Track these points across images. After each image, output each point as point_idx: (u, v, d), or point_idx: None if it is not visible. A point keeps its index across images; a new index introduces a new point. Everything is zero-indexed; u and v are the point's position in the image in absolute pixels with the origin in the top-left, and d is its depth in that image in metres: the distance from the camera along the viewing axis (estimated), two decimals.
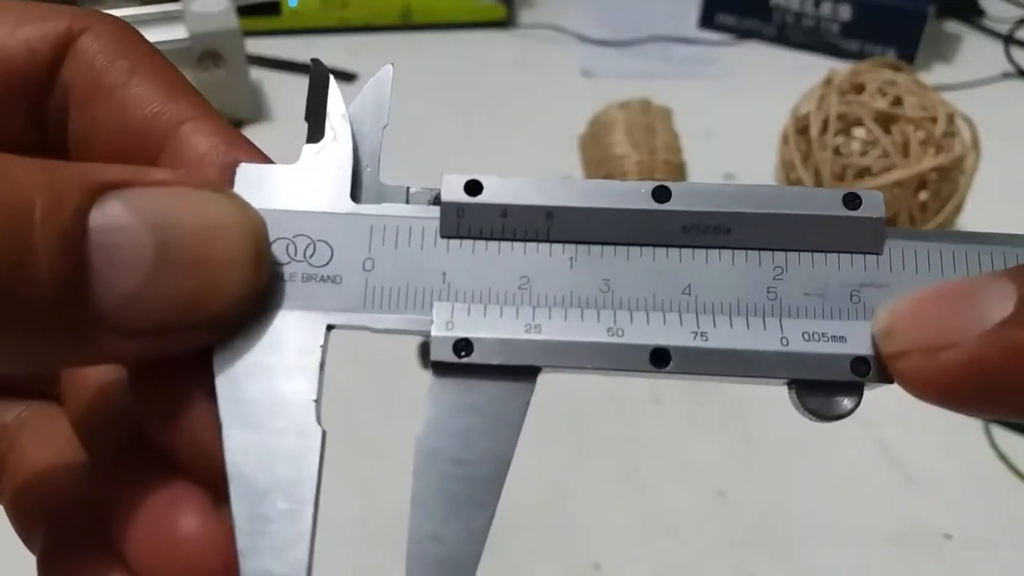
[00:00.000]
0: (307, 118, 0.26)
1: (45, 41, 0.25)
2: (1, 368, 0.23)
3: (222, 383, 0.23)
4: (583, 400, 0.76)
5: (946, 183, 0.85)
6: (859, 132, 0.86)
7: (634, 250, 0.25)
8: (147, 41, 0.26)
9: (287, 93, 1.16)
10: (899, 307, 0.23)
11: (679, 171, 0.93)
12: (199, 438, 0.23)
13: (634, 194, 0.25)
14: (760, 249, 0.25)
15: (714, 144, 1.03)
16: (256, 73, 1.16)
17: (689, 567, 0.68)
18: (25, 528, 0.27)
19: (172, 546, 0.23)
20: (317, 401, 0.23)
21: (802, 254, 0.25)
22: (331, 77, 0.26)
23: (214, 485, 0.23)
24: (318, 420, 0.23)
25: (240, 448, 0.23)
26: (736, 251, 0.25)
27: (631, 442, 0.76)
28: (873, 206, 0.25)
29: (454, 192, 0.25)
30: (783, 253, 0.25)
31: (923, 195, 0.85)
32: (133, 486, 0.24)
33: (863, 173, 0.85)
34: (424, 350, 0.83)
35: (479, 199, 0.25)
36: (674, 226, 0.25)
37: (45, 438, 0.28)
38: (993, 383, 0.21)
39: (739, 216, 0.25)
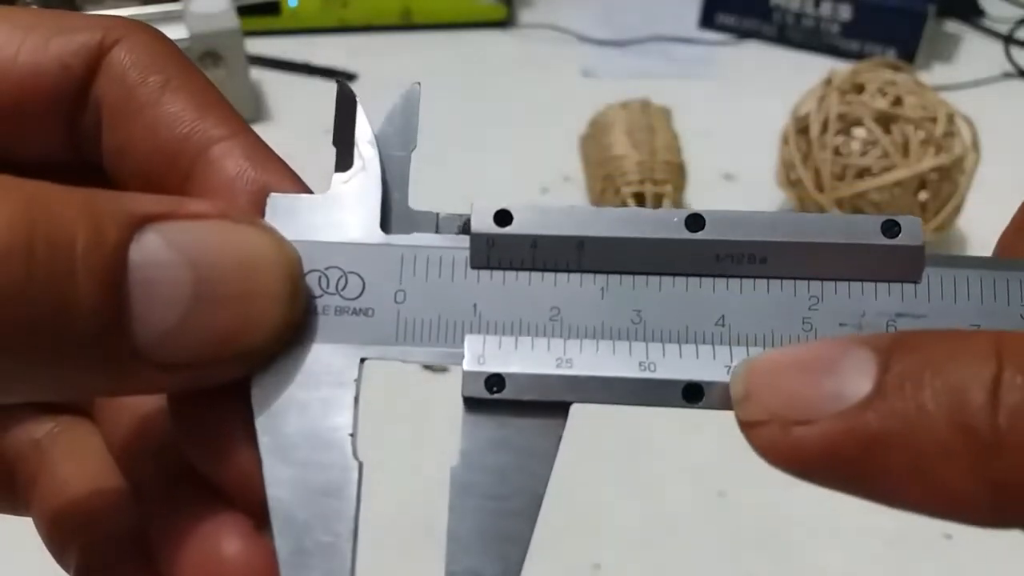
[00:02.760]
0: (335, 144, 0.26)
1: (78, 55, 0.25)
2: (39, 396, 0.23)
3: (260, 419, 0.23)
4: None
5: (946, 183, 0.85)
6: (859, 132, 0.86)
7: (666, 280, 0.25)
8: (180, 52, 0.26)
9: (287, 93, 1.16)
10: (755, 370, 0.22)
11: (679, 171, 0.93)
12: (242, 469, 0.23)
13: (666, 223, 0.25)
14: (796, 278, 0.25)
15: (714, 144, 1.03)
16: (256, 73, 1.16)
17: (689, 567, 0.68)
18: (59, 547, 0.27)
19: (218, 570, 0.23)
20: (353, 435, 0.24)
21: (838, 283, 0.24)
22: (358, 102, 0.26)
23: (257, 511, 0.23)
24: (354, 454, 0.23)
25: (281, 483, 0.23)
26: (771, 280, 0.25)
27: (631, 442, 0.76)
28: (912, 234, 0.24)
29: (484, 223, 0.25)
30: (819, 282, 0.24)
31: (923, 195, 0.85)
32: (175, 510, 0.24)
33: (863, 173, 0.85)
34: None
35: (509, 230, 0.25)
36: (707, 255, 0.25)
37: (78, 456, 0.28)
38: (844, 466, 0.20)
39: (775, 245, 0.24)
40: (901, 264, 0.24)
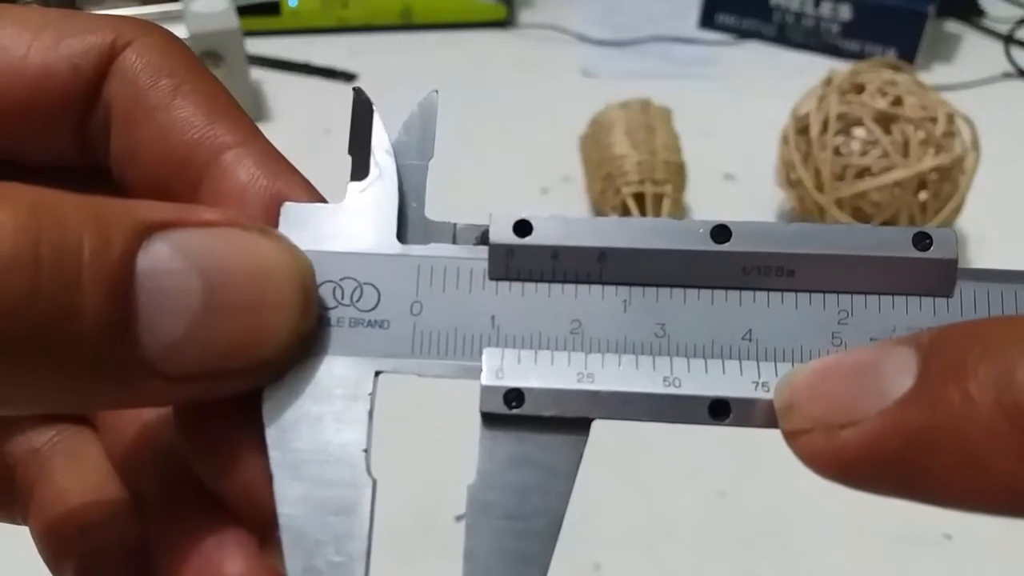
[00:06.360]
0: (351, 152, 0.25)
1: (88, 57, 0.24)
2: (42, 408, 0.23)
3: (272, 433, 0.23)
4: None
5: (946, 183, 0.85)
6: (859, 132, 0.86)
7: (691, 292, 0.24)
8: (193, 55, 0.26)
9: (287, 93, 1.16)
10: (798, 379, 0.21)
11: (679, 171, 0.93)
12: (248, 483, 0.23)
13: (691, 234, 0.24)
14: (825, 292, 0.24)
15: (714, 144, 1.03)
16: (256, 73, 1.16)
17: (689, 568, 0.68)
18: (55, 559, 0.26)
19: None
20: (367, 451, 0.23)
21: (868, 297, 0.24)
22: (375, 109, 0.25)
23: (262, 527, 0.23)
24: (368, 471, 0.23)
25: (292, 500, 0.22)
26: (799, 294, 0.24)
27: (631, 442, 0.76)
28: (945, 247, 0.24)
29: (503, 233, 0.24)
30: (849, 296, 0.24)
31: (923, 195, 0.85)
32: (177, 524, 0.24)
33: (863, 173, 0.85)
34: None
35: (529, 240, 0.24)
36: (734, 267, 0.24)
37: (78, 466, 0.27)
38: (891, 466, 0.19)
39: (804, 258, 0.24)
40: (933, 278, 0.24)
